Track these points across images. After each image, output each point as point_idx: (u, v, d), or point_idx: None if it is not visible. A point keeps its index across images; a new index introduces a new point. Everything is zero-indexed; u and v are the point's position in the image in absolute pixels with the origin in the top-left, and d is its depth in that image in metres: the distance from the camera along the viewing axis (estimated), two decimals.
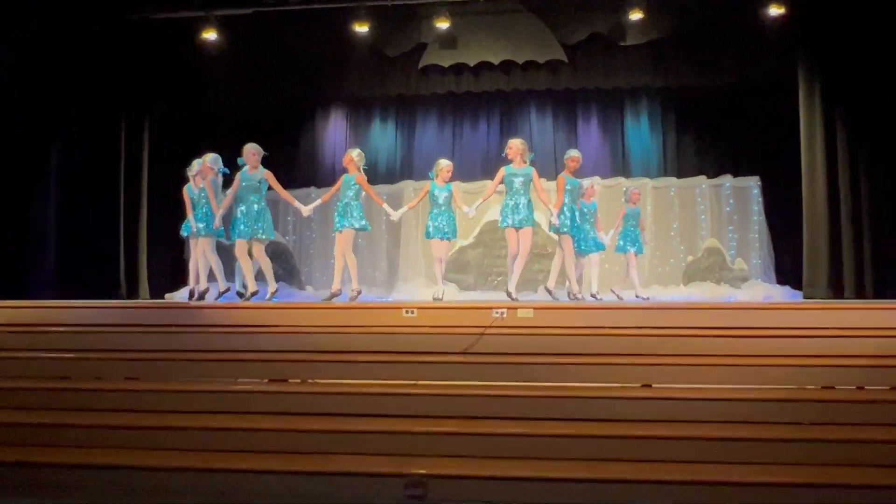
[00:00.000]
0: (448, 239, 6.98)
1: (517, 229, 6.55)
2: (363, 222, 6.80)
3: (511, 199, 6.60)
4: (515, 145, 6.69)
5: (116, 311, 5.99)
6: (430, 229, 6.95)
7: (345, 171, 7.03)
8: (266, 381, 4.97)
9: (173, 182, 9.93)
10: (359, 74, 9.78)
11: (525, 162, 6.69)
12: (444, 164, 7.05)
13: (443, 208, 6.92)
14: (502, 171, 6.69)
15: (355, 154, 6.92)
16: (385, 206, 7.13)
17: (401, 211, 7.29)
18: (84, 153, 8.69)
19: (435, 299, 6.78)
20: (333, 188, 7.08)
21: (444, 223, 6.89)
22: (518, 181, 6.60)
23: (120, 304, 6.69)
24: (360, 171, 6.84)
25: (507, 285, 6.69)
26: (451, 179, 10.03)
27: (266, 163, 6.81)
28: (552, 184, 7.45)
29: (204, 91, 9.79)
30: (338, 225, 6.79)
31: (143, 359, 5.21)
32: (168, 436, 4.42)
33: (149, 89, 9.39)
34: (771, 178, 9.72)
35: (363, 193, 6.89)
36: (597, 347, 5.00)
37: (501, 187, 6.81)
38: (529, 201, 6.65)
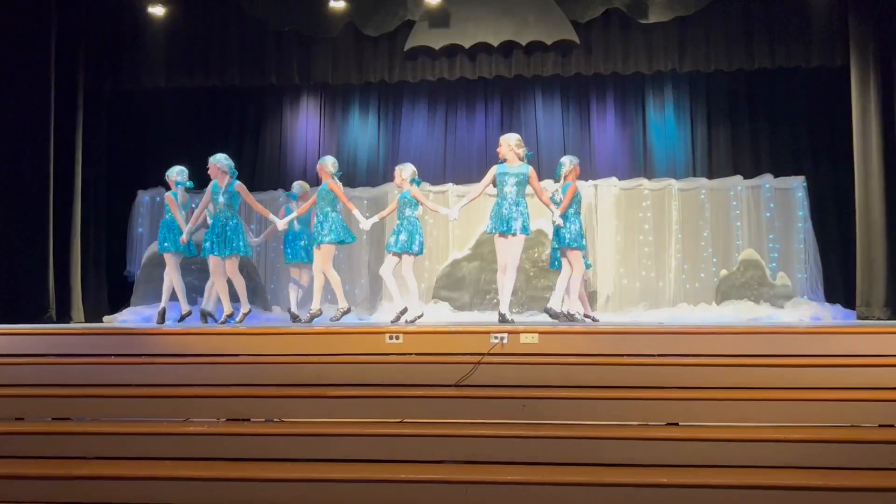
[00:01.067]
0: (397, 253, 7.22)
1: (504, 236, 6.65)
2: (345, 234, 7.25)
3: (502, 202, 6.71)
4: (506, 142, 6.85)
5: (43, 338, 5.94)
6: (389, 241, 7.41)
7: (320, 181, 7.53)
8: (224, 420, 4.95)
9: (113, 181, 9.99)
10: (333, 58, 9.79)
11: (521, 159, 6.82)
12: (404, 172, 7.39)
13: (406, 216, 7.21)
14: (493, 170, 6.84)
15: (329, 163, 7.39)
16: (355, 212, 7.44)
17: (371, 220, 7.61)
18: (2, 144, 8.65)
19: (408, 322, 7.01)
20: (310, 201, 7.58)
21: (400, 235, 7.21)
22: (511, 182, 6.71)
23: (48, 329, 6.65)
24: (333, 178, 7.27)
25: (500, 306, 6.76)
26: (444, 181, 10.23)
27: None
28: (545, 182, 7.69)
29: (153, 75, 9.76)
30: (317, 239, 7.20)
31: (76, 395, 5.17)
32: (104, 488, 4.37)
33: (86, 68, 9.36)
34: (819, 177, 9.75)
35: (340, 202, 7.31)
36: (614, 379, 4.99)
37: (493, 189, 6.93)
38: (526, 206, 6.78)
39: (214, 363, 5.36)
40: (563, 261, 7.24)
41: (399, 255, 7.23)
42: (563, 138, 10.57)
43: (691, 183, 9.93)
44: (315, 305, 7.22)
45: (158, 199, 10.09)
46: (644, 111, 10.55)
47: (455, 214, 7.09)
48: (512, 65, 9.66)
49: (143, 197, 10.04)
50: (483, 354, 5.10)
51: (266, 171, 10.72)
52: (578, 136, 10.58)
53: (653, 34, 9.37)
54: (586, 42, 9.49)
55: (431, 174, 10.51)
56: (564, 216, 7.12)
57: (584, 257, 7.61)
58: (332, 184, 7.22)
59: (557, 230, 7.11)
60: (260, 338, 5.71)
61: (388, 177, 10.31)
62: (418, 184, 7.46)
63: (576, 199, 7.22)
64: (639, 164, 10.44)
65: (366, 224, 7.48)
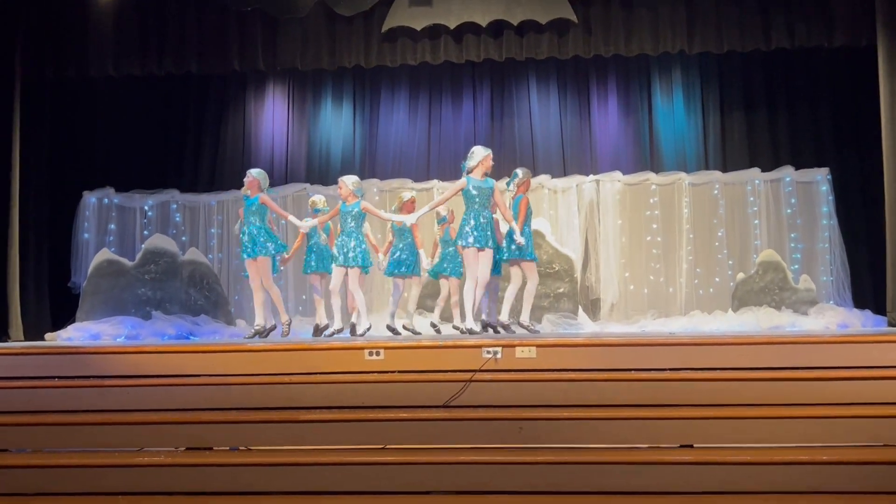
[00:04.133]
0: (343, 266, 7.47)
1: (479, 249, 7.10)
2: (276, 245, 7.58)
3: (474, 216, 7.16)
4: (490, 159, 7.27)
5: None
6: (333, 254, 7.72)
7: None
8: (182, 449, 4.92)
9: (56, 181, 9.91)
10: (303, 40, 9.77)
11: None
12: (347, 181, 7.65)
13: (351, 229, 7.50)
14: (463, 183, 7.22)
15: (258, 174, 7.68)
16: (291, 218, 7.81)
17: (310, 222, 7.91)
18: None
19: (359, 335, 7.30)
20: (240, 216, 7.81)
21: (346, 250, 7.47)
22: (481, 197, 7.19)
23: None
24: (265, 192, 7.62)
25: (464, 322, 7.18)
26: (428, 177, 10.25)
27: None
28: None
29: (101, 63, 9.66)
30: (249, 252, 7.48)
31: (14, 423, 5.12)
32: None
33: (24, 54, 9.28)
34: (844, 169, 9.82)
35: (272, 214, 7.70)
36: (620, 397, 5.00)
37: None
38: (492, 219, 7.25)
39: (172, 385, 5.34)
40: (514, 271, 7.60)
41: (345, 269, 7.48)
42: (560, 128, 10.60)
43: (703, 177, 9.98)
44: (259, 320, 7.54)
45: (106, 200, 10.04)
46: (650, 97, 10.59)
47: (412, 220, 7.45)
48: (503, 47, 9.66)
49: (90, 199, 9.97)
50: (474, 371, 5.10)
51: (228, 168, 10.67)
52: (577, 126, 10.61)
53: (659, 11, 9.40)
54: (585, 21, 9.51)
55: (414, 169, 10.54)
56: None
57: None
58: (265, 198, 7.55)
59: (511, 242, 7.47)
60: (223, 356, 5.68)
61: (364, 173, 10.36)
62: (361, 194, 7.69)
63: (529, 212, 7.68)
64: (645, 156, 10.48)
65: (303, 226, 7.80)
